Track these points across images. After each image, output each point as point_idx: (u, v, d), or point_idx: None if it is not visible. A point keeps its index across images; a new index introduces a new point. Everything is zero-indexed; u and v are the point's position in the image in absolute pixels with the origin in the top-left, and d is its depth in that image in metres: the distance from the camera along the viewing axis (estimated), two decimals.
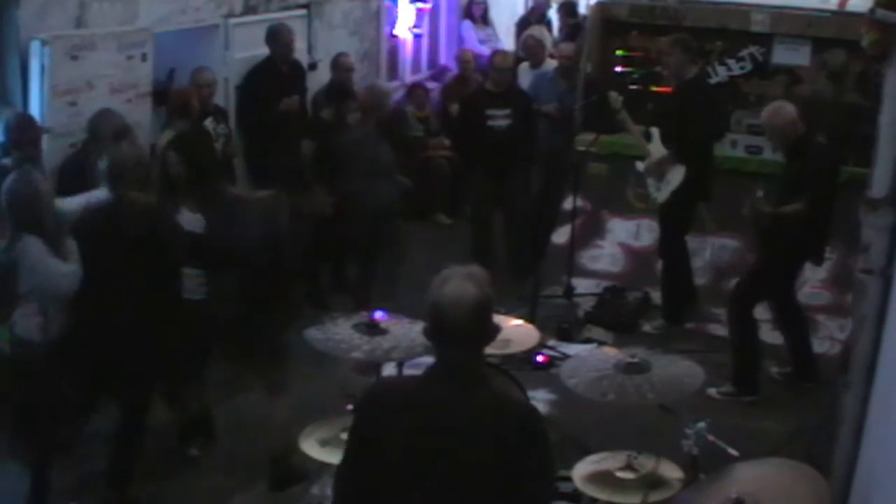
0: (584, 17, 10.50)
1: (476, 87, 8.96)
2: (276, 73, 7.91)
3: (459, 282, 2.95)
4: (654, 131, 7.25)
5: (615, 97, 7.43)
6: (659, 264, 7.80)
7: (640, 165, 7.38)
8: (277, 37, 7.87)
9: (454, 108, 9.57)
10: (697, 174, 7.06)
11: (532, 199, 8.30)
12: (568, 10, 11.42)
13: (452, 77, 10.46)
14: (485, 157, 8.00)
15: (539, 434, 2.97)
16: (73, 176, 6.01)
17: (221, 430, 6.04)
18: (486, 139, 7.93)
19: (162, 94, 7.38)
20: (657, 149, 7.21)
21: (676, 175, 7.08)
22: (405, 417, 2.95)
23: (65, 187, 5.96)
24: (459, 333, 2.92)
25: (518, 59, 9.59)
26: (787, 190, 6.19)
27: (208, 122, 7.09)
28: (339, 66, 8.44)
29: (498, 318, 3.07)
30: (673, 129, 7.11)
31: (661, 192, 7.20)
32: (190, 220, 5.37)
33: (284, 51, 7.91)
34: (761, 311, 6.60)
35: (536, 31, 9.90)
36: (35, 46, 6.02)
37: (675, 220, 7.29)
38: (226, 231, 5.34)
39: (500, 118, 7.97)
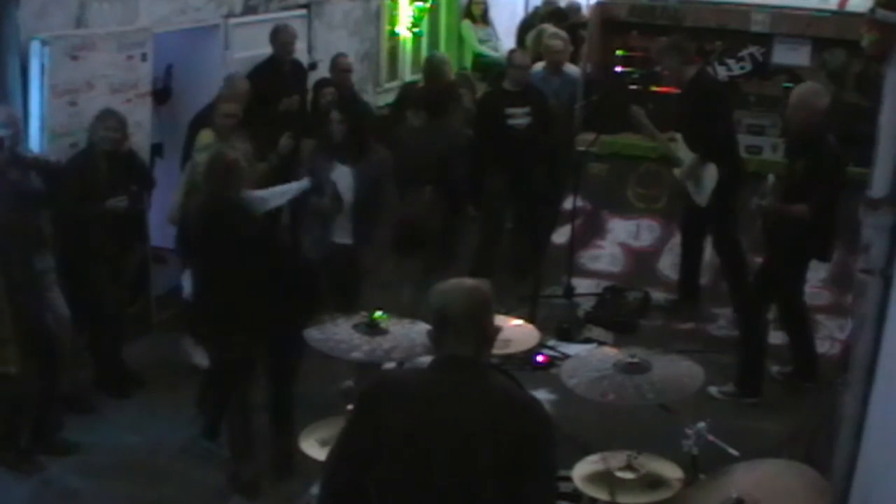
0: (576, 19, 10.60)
1: (493, 87, 8.84)
2: (276, 73, 7.92)
3: (459, 278, 3.11)
4: (678, 136, 7.21)
5: (638, 111, 7.33)
6: (660, 263, 7.81)
7: (676, 173, 7.32)
8: (276, 36, 7.89)
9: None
10: (731, 166, 7.04)
11: (543, 198, 8.25)
12: (558, 16, 11.38)
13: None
14: (504, 156, 7.92)
15: (543, 426, 2.98)
16: (75, 175, 6.03)
17: (222, 430, 6.05)
18: (506, 139, 7.87)
19: (160, 93, 7.38)
20: (685, 153, 7.18)
21: (710, 175, 7.04)
22: (407, 409, 2.96)
23: (66, 186, 5.98)
24: (457, 321, 2.97)
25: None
26: (792, 189, 6.18)
27: None
28: (337, 66, 8.44)
29: (498, 319, 3.08)
30: (690, 130, 7.09)
31: (701, 196, 7.14)
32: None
33: (282, 50, 7.91)
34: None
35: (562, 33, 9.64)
36: (35, 46, 6.02)
37: (724, 217, 7.22)
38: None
39: (519, 117, 7.92)
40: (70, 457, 5.71)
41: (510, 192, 8.04)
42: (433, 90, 8.08)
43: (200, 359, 6.38)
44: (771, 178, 6.29)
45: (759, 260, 6.78)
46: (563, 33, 9.03)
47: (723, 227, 7.29)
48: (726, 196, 7.09)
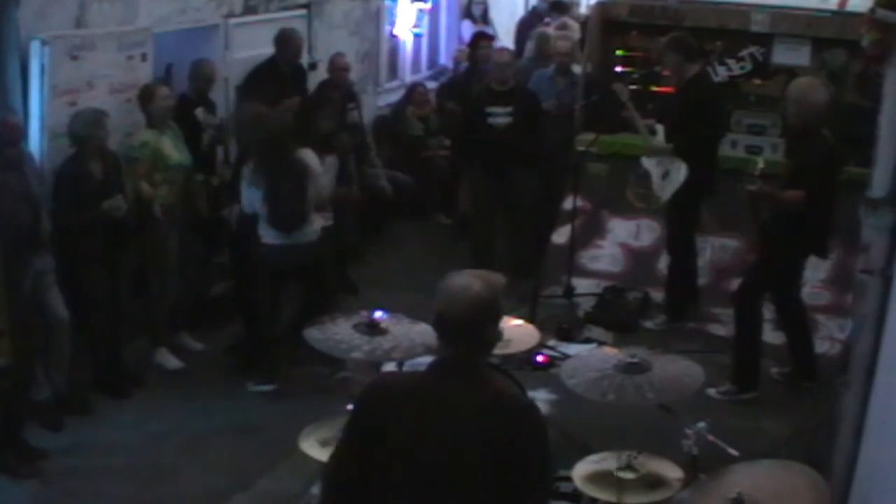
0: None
1: (481, 86, 8.90)
2: (277, 74, 7.92)
3: (470, 278, 2.99)
4: (659, 128, 7.24)
5: (621, 89, 7.42)
6: (659, 263, 7.80)
7: (644, 162, 7.36)
8: (287, 42, 7.91)
9: (450, 107, 9.56)
10: (702, 172, 7.07)
11: (535, 198, 8.27)
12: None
13: (449, 78, 10.46)
14: (483, 155, 8.00)
15: (538, 430, 2.98)
16: (69, 181, 6.03)
17: (222, 430, 6.06)
18: (485, 137, 7.93)
19: None
20: (660, 145, 7.21)
21: (679, 174, 7.09)
22: (406, 410, 2.95)
23: (61, 193, 5.99)
24: (456, 326, 2.94)
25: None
26: (787, 183, 6.18)
27: (199, 113, 7.09)
28: (335, 65, 8.47)
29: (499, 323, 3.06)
30: (677, 127, 7.11)
31: (665, 191, 7.20)
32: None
33: (293, 55, 7.96)
34: (764, 311, 6.59)
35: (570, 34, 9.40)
36: (35, 46, 6.02)
37: (682, 217, 7.30)
38: None
39: (500, 116, 7.95)
40: (69, 458, 5.70)
41: (493, 192, 8.07)
42: None
43: (172, 362, 6.75)
44: (760, 162, 6.30)
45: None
46: (570, 34, 9.03)
47: (679, 228, 7.34)
48: (689, 198, 7.14)
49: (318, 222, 6.57)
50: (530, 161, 8.08)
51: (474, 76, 9.33)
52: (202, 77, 7.20)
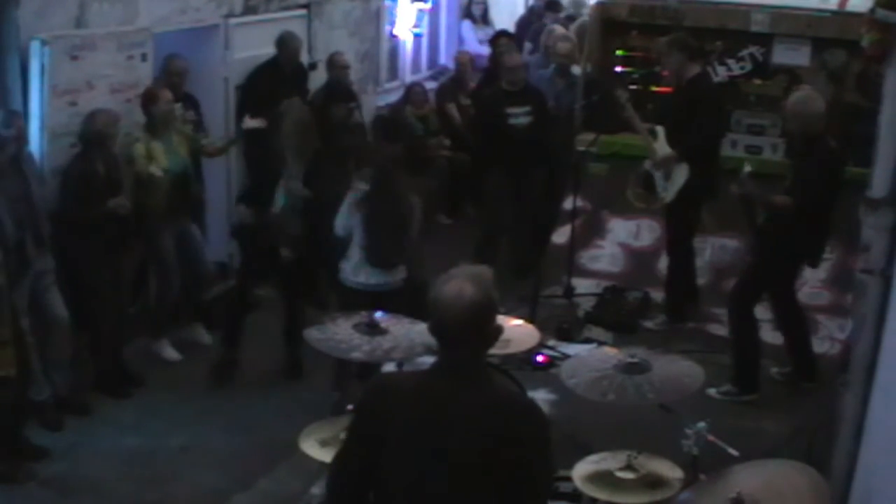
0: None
1: (493, 88, 8.85)
2: (278, 75, 7.93)
3: (460, 282, 2.93)
4: (660, 130, 7.24)
5: (622, 94, 7.43)
6: (660, 263, 7.80)
7: (647, 164, 7.37)
8: (286, 44, 7.95)
9: (451, 107, 9.55)
10: (703, 173, 7.07)
11: (543, 198, 8.27)
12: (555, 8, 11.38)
13: (448, 78, 10.48)
14: (506, 155, 7.97)
15: (539, 430, 2.97)
16: (77, 179, 6.02)
17: (222, 430, 6.06)
18: (508, 138, 7.92)
19: None
20: (662, 147, 7.21)
21: (681, 174, 7.09)
22: (407, 412, 2.95)
23: (68, 191, 5.99)
24: (455, 334, 2.92)
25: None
26: (786, 188, 6.19)
27: (177, 108, 7.08)
28: (335, 64, 8.49)
29: (498, 318, 3.05)
30: (678, 128, 7.11)
31: (668, 192, 7.21)
32: None
33: (292, 56, 7.99)
34: (761, 311, 6.60)
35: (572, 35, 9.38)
36: (35, 46, 6.02)
37: (683, 219, 7.30)
38: None
39: (521, 116, 7.97)
40: (69, 459, 5.70)
41: (512, 192, 8.06)
42: None
43: (170, 353, 6.85)
44: (747, 167, 6.31)
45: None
46: (572, 35, 9.03)
47: (680, 229, 7.35)
48: (690, 199, 7.15)
49: (401, 271, 6.27)
50: (547, 159, 8.09)
51: (496, 76, 9.17)
52: (172, 72, 7.15)
